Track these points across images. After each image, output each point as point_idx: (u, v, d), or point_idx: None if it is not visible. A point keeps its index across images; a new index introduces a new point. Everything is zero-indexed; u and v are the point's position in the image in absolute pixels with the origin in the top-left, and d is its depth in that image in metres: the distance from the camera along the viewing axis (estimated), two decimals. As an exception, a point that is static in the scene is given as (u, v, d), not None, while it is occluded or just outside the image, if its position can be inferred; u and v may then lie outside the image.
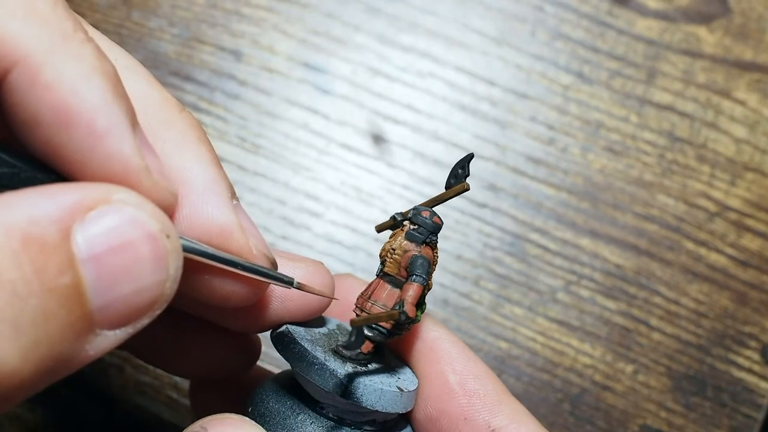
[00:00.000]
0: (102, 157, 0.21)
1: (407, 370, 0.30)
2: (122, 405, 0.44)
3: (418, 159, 0.49)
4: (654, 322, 0.47)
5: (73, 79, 0.21)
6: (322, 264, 0.29)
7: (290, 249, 0.47)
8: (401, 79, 0.50)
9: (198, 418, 0.25)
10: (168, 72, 0.49)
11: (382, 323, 0.27)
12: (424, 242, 0.27)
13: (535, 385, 0.46)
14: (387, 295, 0.28)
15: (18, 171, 0.21)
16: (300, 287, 0.27)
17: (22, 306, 0.18)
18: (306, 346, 0.27)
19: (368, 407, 0.26)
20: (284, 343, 0.28)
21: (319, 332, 0.29)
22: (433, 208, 0.28)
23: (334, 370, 0.26)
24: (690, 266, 0.48)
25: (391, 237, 0.28)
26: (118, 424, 0.43)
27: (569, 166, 0.49)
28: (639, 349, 0.46)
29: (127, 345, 0.33)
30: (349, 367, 0.27)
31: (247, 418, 0.25)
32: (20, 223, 0.19)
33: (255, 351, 0.33)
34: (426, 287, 0.27)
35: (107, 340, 0.21)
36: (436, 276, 0.47)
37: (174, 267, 0.22)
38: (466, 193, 0.43)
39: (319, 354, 0.27)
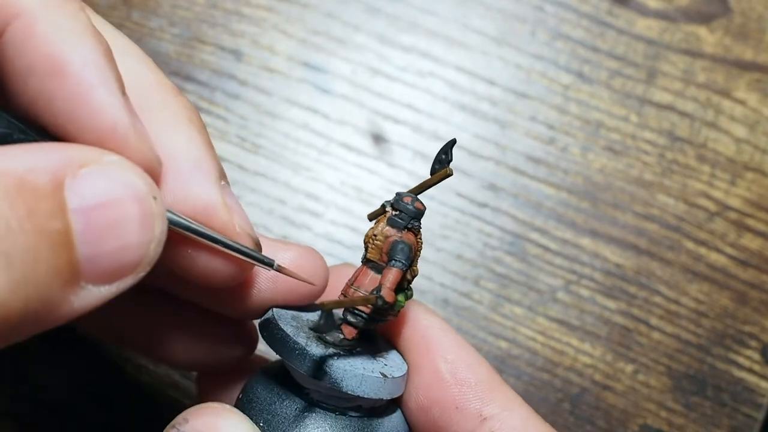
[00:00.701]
0: (90, 109, 0.22)
1: (397, 357, 0.30)
2: (122, 405, 0.44)
3: (418, 159, 0.49)
4: (654, 321, 0.47)
5: (68, 34, 0.22)
6: (314, 249, 0.30)
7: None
8: (401, 79, 0.50)
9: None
10: (168, 72, 0.49)
11: (362, 308, 0.27)
12: (405, 227, 0.27)
13: (535, 385, 0.46)
14: (369, 281, 0.28)
15: (11, 132, 0.22)
16: (280, 270, 0.27)
17: (14, 241, 0.19)
18: (288, 331, 0.27)
19: (348, 392, 0.26)
20: (268, 329, 0.28)
21: (307, 318, 0.29)
22: (420, 194, 0.28)
23: (313, 355, 0.26)
24: (690, 266, 0.48)
25: (375, 223, 0.28)
26: (118, 424, 0.43)
27: (569, 166, 0.49)
28: (639, 348, 0.47)
29: (121, 338, 0.33)
30: (330, 352, 0.27)
31: (228, 406, 0.25)
32: (15, 169, 0.20)
33: (251, 340, 0.33)
34: (408, 272, 0.27)
35: (92, 294, 0.21)
36: (437, 276, 0.47)
37: (159, 229, 0.22)
38: (466, 192, 0.43)
39: (301, 339, 0.27)
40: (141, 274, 0.22)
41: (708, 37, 0.51)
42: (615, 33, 0.51)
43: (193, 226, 0.25)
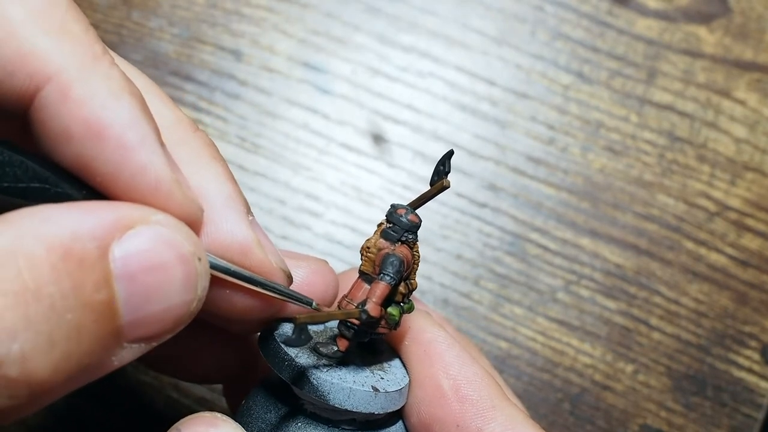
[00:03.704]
0: (133, 170, 0.22)
1: (398, 371, 0.29)
2: (122, 405, 0.44)
3: (418, 159, 0.49)
4: (654, 321, 0.47)
5: (104, 95, 0.21)
6: (326, 263, 0.29)
7: (290, 249, 0.47)
8: (401, 79, 0.50)
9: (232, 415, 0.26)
10: (168, 72, 0.49)
11: (354, 321, 0.27)
12: (399, 240, 0.27)
13: (535, 385, 0.46)
14: (362, 294, 0.27)
15: (47, 187, 0.21)
16: (318, 309, 0.27)
17: (58, 320, 0.19)
18: (280, 342, 0.27)
19: (336, 405, 0.26)
20: (264, 340, 0.28)
21: (311, 329, 0.29)
22: (420, 207, 0.28)
23: (301, 366, 0.26)
24: (690, 266, 0.48)
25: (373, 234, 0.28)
26: (118, 424, 0.43)
27: (569, 166, 0.49)
28: (639, 348, 0.46)
29: None
30: (321, 364, 0.27)
31: (219, 414, 0.25)
32: (62, 238, 0.19)
33: (253, 354, 0.33)
34: (402, 286, 0.27)
35: (132, 352, 0.21)
36: (437, 276, 0.47)
37: (201, 288, 0.22)
38: (466, 192, 0.43)
39: (291, 351, 0.27)
40: (180, 329, 0.22)
41: (708, 37, 0.51)
42: (615, 33, 0.51)
43: (232, 269, 0.25)
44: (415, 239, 0.27)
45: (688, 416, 0.46)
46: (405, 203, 0.28)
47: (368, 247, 0.27)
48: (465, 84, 0.50)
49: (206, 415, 0.25)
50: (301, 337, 0.27)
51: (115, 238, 0.20)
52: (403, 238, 0.27)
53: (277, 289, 0.26)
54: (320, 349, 0.27)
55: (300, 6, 0.50)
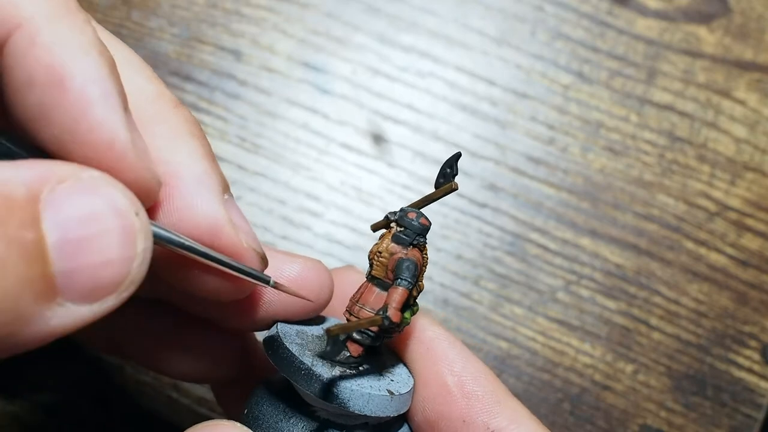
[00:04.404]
0: (90, 124, 0.21)
1: (403, 372, 0.29)
2: (122, 405, 0.44)
3: (418, 159, 0.49)
4: (654, 321, 0.47)
5: (72, 46, 0.21)
6: (320, 262, 0.29)
7: (290, 249, 0.47)
8: (401, 79, 0.50)
9: (228, 418, 0.25)
10: (168, 72, 0.49)
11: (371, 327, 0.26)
12: (410, 244, 0.27)
13: (535, 385, 0.46)
14: (375, 299, 0.27)
15: None
16: (276, 287, 0.27)
17: None
18: (293, 350, 0.27)
19: (356, 412, 0.26)
20: (273, 347, 0.27)
21: (312, 334, 0.29)
22: (424, 208, 0.28)
23: (319, 375, 0.26)
24: (690, 266, 0.48)
25: (380, 238, 0.28)
26: (117, 424, 0.43)
27: (569, 166, 0.49)
28: (639, 348, 0.46)
29: (123, 351, 0.33)
30: (336, 371, 0.26)
31: (238, 424, 0.25)
32: None
33: (251, 353, 0.33)
34: (413, 290, 0.27)
35: (71, 313, 0.20)
36: (437, 276, 0.47)
37: (142, 246, 0.21)
38: (466, 192, 0.43)
39: (306, 359, 0.26)
40: (125, 294, 0.21)
41: (708, 37, 0.51)
42: (615, 33, 0.51)
43: (187, 243, 0.24)
44: (425, 242, 0.27)
45: (688, 416, 0.46)
46: (406, 204, 0.28)
47: (380, 252, 0.27)
48: (465, 84, 0.50)
49: (225, 423, 0.24)
50: (336, 348, 0.27)
51: (45, 189, 0.20)
52: (415, 242, 0.27)
53: (235, 267, 0.25)
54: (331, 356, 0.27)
55: (300, 6, 0.50)
